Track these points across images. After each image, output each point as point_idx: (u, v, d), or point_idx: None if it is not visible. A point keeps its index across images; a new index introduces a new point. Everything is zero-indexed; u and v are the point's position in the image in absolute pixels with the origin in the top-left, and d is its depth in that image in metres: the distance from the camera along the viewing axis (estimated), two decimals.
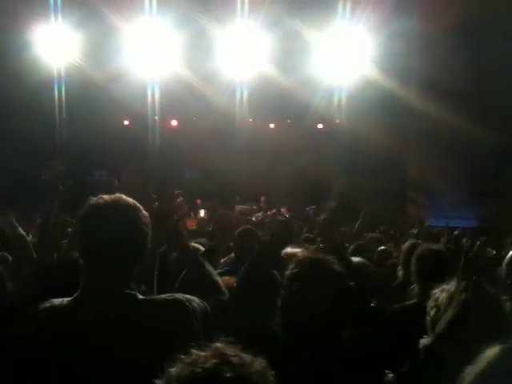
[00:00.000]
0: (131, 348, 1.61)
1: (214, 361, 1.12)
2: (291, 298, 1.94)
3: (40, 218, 2.92)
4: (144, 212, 1.76)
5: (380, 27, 11.95)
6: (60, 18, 12.24)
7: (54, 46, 12.37)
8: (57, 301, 1.71)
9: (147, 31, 12.34)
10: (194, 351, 1.16)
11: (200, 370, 1.11)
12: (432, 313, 2.15)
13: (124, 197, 1.76)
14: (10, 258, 3.59)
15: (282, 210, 10.89)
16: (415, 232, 6.63)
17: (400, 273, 4.10)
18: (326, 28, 12.24)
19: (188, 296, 1.77)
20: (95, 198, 1.74)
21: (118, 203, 1.72)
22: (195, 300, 1.76)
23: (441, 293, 2.18)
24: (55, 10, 12.09)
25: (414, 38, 12.18)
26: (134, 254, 1.72)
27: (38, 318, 1.70)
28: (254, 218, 7.18)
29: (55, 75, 12.57)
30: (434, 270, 2.82)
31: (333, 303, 1.89)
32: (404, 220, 10.55)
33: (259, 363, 1.16)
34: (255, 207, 12.40)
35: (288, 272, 2.01)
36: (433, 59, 12.04)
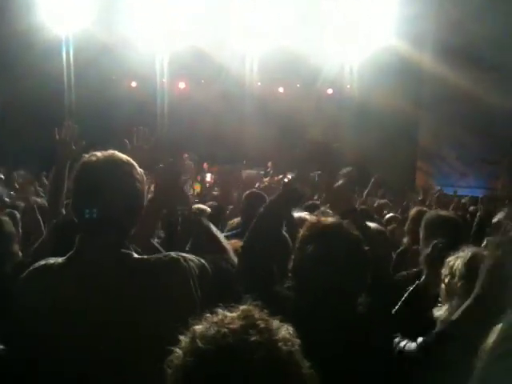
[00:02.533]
0: (126, 303, 1.58)
1: (241, 323, 1.09)
2: (304, 262, 1.88)
3: (51, 178, 2.88)
4: (138, 169, 1.71)
5: None
6: None
7: (63, 9, 12.17)
8: (52, 259, 1.69)
9: None
10: (220, 310, 1.13)
11: (226, 330, 1.07)
12: (446, 280, 2.10)
13: (117, 153, 1.70)
14: (18, 215, 3.58)
15: (289, 175, 10.82)
16: (420, 198, 6.56)
17: (405, 239, 4.06)
18: None
19: (184, 254, 1.72)
20: (88, 155, 1.68)
21: (111, 159, 1.67)
22: (192, 259, 1.72)
23: (455, 260, 2.13)
24: None
25: (430, 1, 11.84)
26: (128, 211, 1.66)
27: (29, 272, 1.68)
28: (258, 184, 7.14)
29: (63, 38, 12.41)
30: (444, 236, 2.75)
31: (349, 268, 1.83)
32: (412, 188, 10.46)
33: (286, 330, 1.12)
34: (262, 172, 12.32)
35: (300, 234, 1.95)
36: (449, 23, 11.71)
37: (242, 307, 1.14)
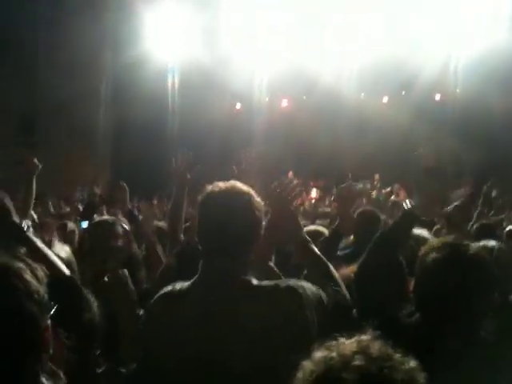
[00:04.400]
0: (243, 330, 1.63)
1: (358, 356, 1.04)
2: (429, 273, 1.81)
3: (171, 205, 3.02)
4: (257, 198, 1.79)
5: None
6: (171, 6, 12.72)
7: (169, 37, 12.92)
8: (178, 284, 1.78)
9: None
10: (335, 341, 1.09)
11: (354, 365, 1.02)
12: None
13: (238, 183, 1.81)
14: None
15: (396, 187, 10.51)
16: None
17: None
18: None
19: (302, 282, 1.76)
20: (211, 186, 1.79)
21: (233, 190, 1.77)
22: (310, 287, 1.75)
23: None
24: None
25: None
26: (247, 240, 1.75)
27: (157, 298, 1.79)
28: (365, 199, 6.97)
29: (169, 63, 13.13)
30: None
31: (478, 291, 1.75)
32: None
33: (409, 364, 1.05)
34: (368, 185, 12.07)
35: (424, 251, 1.88)
36: None
37: (359, 338, 1.09)
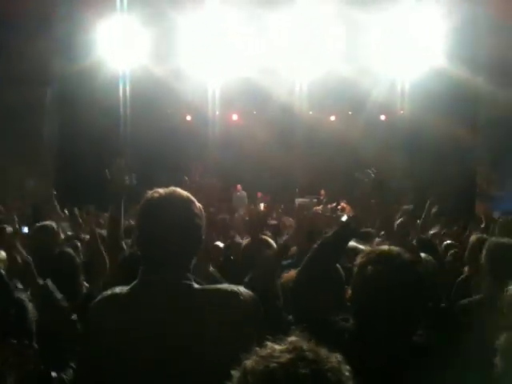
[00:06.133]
0: (184, 334, 1.64)
1: (290, 356, 1.09)
2: (364, 283, 1.89)
3: (109, 214, 3.00)
4: (198, 204, 1.79)
5: (448, 13, 11.50)
6: (124, 17, 12.63)
7: (121, 46, 12.80)
8: (118, 288, 1.77)
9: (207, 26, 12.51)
10: (269, 344, 1.14)
11: (275, 364, 1.08)
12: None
13: (178, 190, 1.80)
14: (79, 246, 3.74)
15: (342, 203, 10.73)
16: (482, 226, 6.34)
17: (466, 268, 3.96)
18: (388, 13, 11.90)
19: (239, 287, 1.78)
20: (151, 192, 1.78)
21: (172, 196, 1.76)
22: (247, 291, 1.77)
23: None
24: (121, 9, 12.49)
25: (482, 23, 11.62)
26: (188, 246, 1.75)
27: (100, 299, 1.77)
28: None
29: (120, 73, 12.99)
30: (507, 264, 2.69)
31: (409, 291, 1.83)
32: (472, 216, 10.08)
33: (335, 358, 1.12)
34: (315, 200, 12.29)
35: (359, 260, 1.96)
36: (504, 45, 11.43)
37: (290, 339, 1.14)
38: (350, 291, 2.04)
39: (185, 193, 1.80)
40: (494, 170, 12.47)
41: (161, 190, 1.77)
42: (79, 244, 3.86)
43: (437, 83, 11.60)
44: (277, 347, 1.12)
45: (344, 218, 2.33)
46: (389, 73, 12.67)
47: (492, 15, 11.49)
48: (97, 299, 1.78)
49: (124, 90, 13.01)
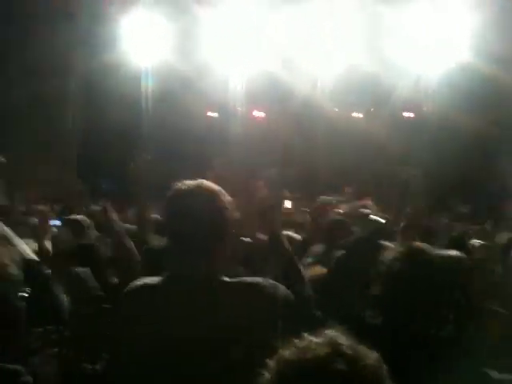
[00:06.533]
0: (214, 324, 1.64)
1: (327, 350, 1.06)
2: (393, 280, 1.87)
3: (138, 207, 3.01)
4: (226, 196, 1.77)
5: (475, 6, 11.27)
6: (148, 11, 12.69)
7: (143, 40, 12.86)
8: (147, 278, 1.78)
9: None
10: (306, 336, 1.11)
11: (311, 357, 1.05)
12: None
13: (206, 182, 1.79)
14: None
15: (367, 201, 10.61)
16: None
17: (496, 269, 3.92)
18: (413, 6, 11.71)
19: (271, 281, 1.77)
20: (179, 184, 1.76)
21: (200, 188, 1.75)
22: (278, 286, 1.76)
23: None
24: (144, 4, 12.55)
25: (510, 18, 11.36)
26: (215, 238, 1.74)
27: (129, 288, 1.78)
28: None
29: (143, 68, 13.07)
30: None
31: (436, 288, 1.81)
32: (499, 215, 9.88)
33: (373, 357, 1.09)
34: (340, 198, 12.20)
35: (387, 256, 1.95)
36: None
37: (327, 332, 1.11)
38: (377, 288, 2.03)
39: (213, 184, 1.79)
40: None
41: (189, 182, 1.76)
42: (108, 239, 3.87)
43: (463, 79, 11.41)
44: (314, 340, 1.10)
45: (372, 217, 2.32)
46: (414, 68, 12.49)
47: None
48: (128, 287, 1.79)
49: (146, 85, 13.10)
